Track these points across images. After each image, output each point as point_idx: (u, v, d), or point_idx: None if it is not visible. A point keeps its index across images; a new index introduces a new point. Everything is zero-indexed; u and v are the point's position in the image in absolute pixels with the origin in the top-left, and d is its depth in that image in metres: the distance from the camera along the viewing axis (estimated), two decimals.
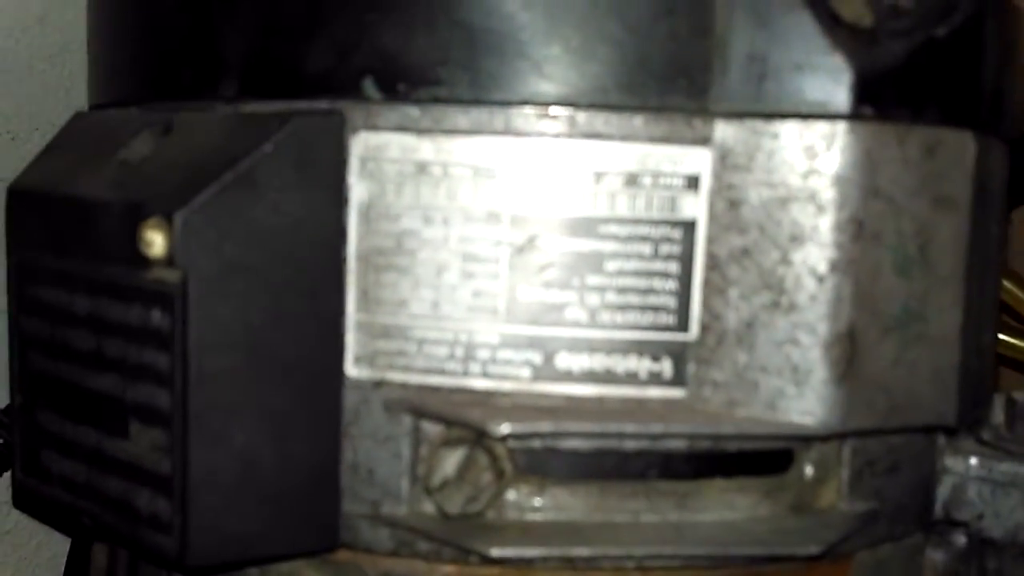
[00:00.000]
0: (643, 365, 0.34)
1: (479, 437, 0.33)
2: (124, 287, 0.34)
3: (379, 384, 0.34)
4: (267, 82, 0.35)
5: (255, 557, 0.34)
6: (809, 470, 0.35)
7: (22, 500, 0.38)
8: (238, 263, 0.33)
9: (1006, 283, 0.51)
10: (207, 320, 0.32)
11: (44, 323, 0.37)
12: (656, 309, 0.33)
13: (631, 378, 0.34)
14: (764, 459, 0.35)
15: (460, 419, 0.33)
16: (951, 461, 0.38)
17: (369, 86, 0.34)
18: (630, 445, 0.34)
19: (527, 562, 0.33)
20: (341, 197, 0.34)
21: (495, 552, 0.32)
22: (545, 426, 0.32)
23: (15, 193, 0.38)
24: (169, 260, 0.32)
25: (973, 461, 0.38)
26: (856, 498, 0.35)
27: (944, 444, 0.38)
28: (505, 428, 0.32)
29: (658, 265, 0.34)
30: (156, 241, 0.32)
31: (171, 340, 0.32)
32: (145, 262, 0.33)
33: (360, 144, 0.34)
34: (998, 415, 0.41)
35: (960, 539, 0.39)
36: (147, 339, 0.33)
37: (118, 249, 0.34)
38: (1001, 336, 0.51)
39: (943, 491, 0.38)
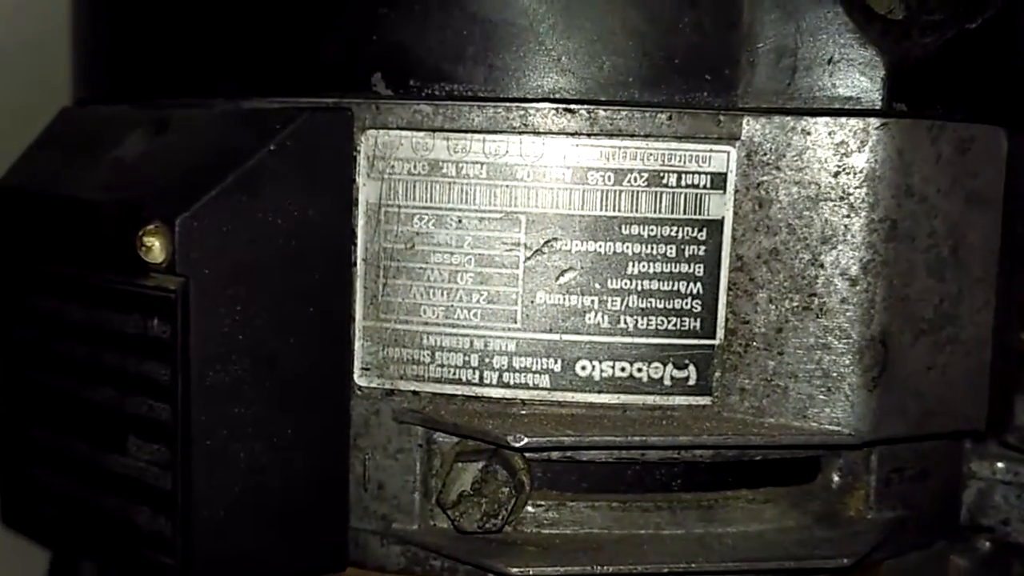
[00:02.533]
0: (667, 372, 0.32)
1: (496, 449, 0.32)
2: (121, 294, 0.32)
3: (389, 394, 0.33)
4: (270, 78, 0.33)
5: (268, 574, 0.32)
6: (836, 478, 0.34)
7: (12, 517, 0.36)
8: (241, 268, 0.31)
9: None
10: (209, 329, 0.30)
11: (35, 332, 0.35)
12: (680, 313, 0.32)
13: (655, 385, 0.32)
14: (791, 468, 0.34)
15: (476, 431, 0.31)
16: (977, 466, 0.37)
17: (379, 82, 0.32)
18: (653, 456, 0.32)
19: None
20: (349, 198, 0.32)
21: (514, 571, 0.31)
22: (566, 438, 0.31)
23: (2, 192, 0.36)
24: (169, 266, 0.30)
25: (1000, 465, 0.37)
26: (884, 506, 0.34)
27: (970, 449, 0.37)
28: (524, 440, 0.31)
29: (683, 267, 0.32)
30: (155, 246, 0.30)
31: (172, 350, 0.30)
32: (143, 268, 0.31)
33: (369, 142, 0.32)
34: (1021, 417, 0.40)
35: (985, 544, 0.38)
36: (146, 349, 0.31)
37: (114, 254, 0.32)
38: None
39: (969, 496, 0.37)
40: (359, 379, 0.33)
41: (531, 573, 0.31)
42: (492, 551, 0.32)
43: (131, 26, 0.37)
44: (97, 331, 0.33)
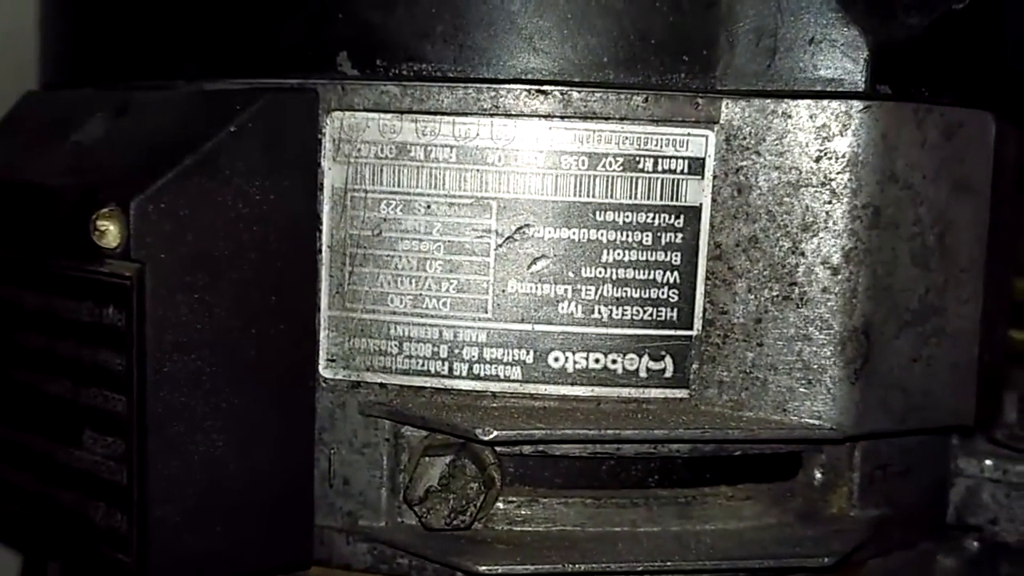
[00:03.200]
0: (643, 364, 0.31)
1: (465, 443, 0.30)
2: (75, 281, 0.31)
3: (356, 386, 0.32)
4: (231, 58, 0.32)
5: (228, 573, 0.31)
6: (819, 475, 0.33)
7: None
8: (200, 255, 0.30)
9: None
10: (166, 317, 0.29)
11: None
12: (657, 303, 0.31)
13: (630, 377, 0.31)
14: (771, 463, 0.33)
15: (444, 424, 0.30)
16: (965, 463, 0.36)
17: (344, 61, 0.31)
18: (628, 450, 0.31)
19: None
20: (314, 182, 0.31)
21: (482, 569, 0.30)
22: (537, 431, 0.30)
23: None
24: (124, 251, 0.29)
25: (988, 463, 0.36)
26: (867, 504, 0.33)
27: (958, 445, 0.36)
28: (493, 434, 0.29)
29: (659, 255, 0.31)
30: (110, 231, 0.29)
31: (127, 339, 0.29)
32: (98, 253, 0.30)
33: (334, 124, 0.31)
34: (1010, 413, 0.39)
35: (973, 544, 0.37)
36: (101, 338, 0.30)
37: (70, 240, 0.31)
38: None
39: (956, 494, 0.36)
40: (324, 371, 0.32)
41: (500, 572, 0.29)
42: (460, 548, 0.30)
43: (93, 8, 0.35)
44: (52, 319, 0.32)
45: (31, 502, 0.33)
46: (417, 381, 0.31)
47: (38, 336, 0.32)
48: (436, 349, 0.31)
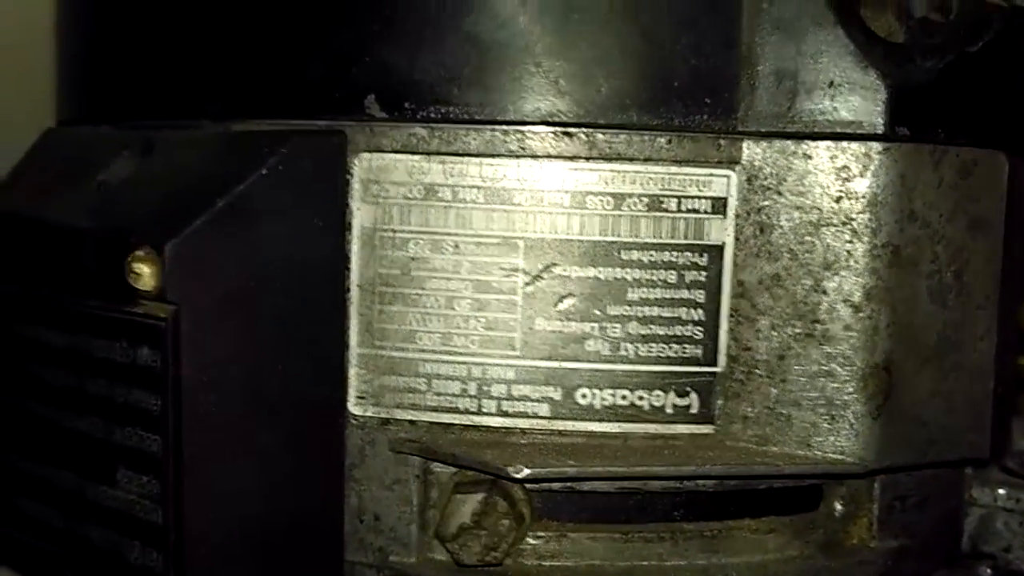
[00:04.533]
0: (669, 400, 0.32)
1: (495, 480, 0.31)
2: (108, 321, 0.31)
3: (385, 423, 0.32)
4: (259, 99, 0.33)
5: None
6: (839, 507, 0.33)
7: None
8: (233, 296, 0.30)
9: None
10: (201, 357, 0.29)
11: (18, 358, 0.34)
12: (682, 340, 0.32)
13: (656, 414, 0.32)
14: (794, 496, 0.33)
15: (475, 461, 0.31)
16: (978, 492, 0.37)
17: (372, 104, 0.31)
18: (655, 485, 0.32)
19: None
20: (342, 223, 0.32)
21: None
22: (569, 468, 0.30)
23: None
24: (159, 293, 0.29)
25: (1001, 492, 0.37)
26: (886, 535, 0.34)
27: (972, 475, 0.37)
28: (525, 472, 0.30)
29: (683, 293, 0.32)
30: (144, 273, 0.29)
31: (162, 379, 0.29)
32: (132, 295, 0.30)
33: (363, 166, 0.32)
34: (1020, 441, 0.39)
35: (987, 572, 0.37)
36: (135, 378, 0.30)
37: (100, 281, 0.31)
38: None
39: (970, 523, 0.37)
40: (354, 408, 0.32)
41: None
42: None
43: (114, 45, 0.36)
44: (82, 358, 0.32)
45: (59, 538, 0.33)
46: (446, 418, 0.32)
47: (67, 374, 0.33)
48: (465, 386, 0.32)
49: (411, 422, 0.32)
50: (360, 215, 0.32)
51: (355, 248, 0.32)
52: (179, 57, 0.34)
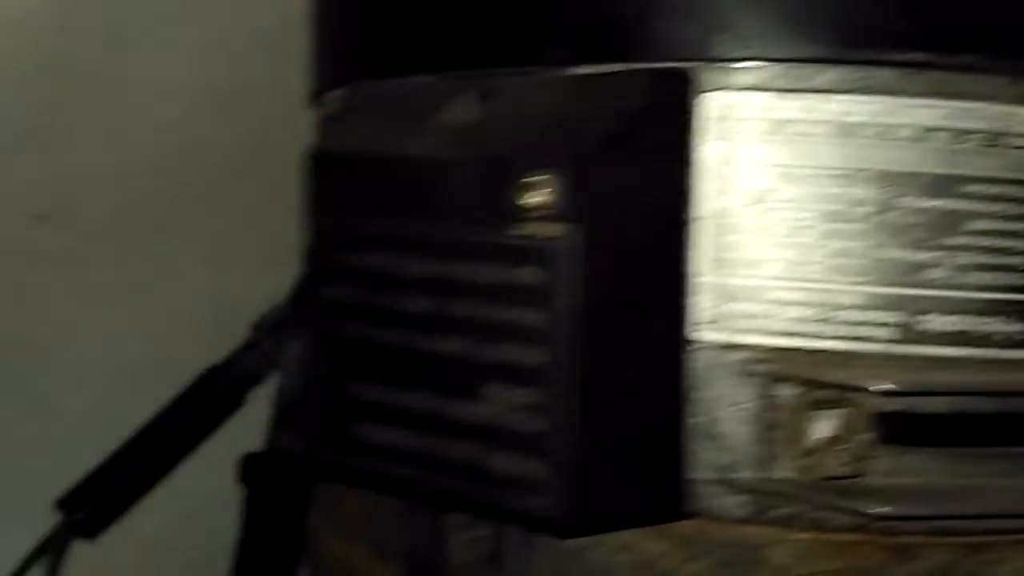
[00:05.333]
0: (1007, 326, 0.33)
1: (848, 398, 0.33)
2: (481, 245, 0.33)
3: (731, 347, 0.34)
4: (607, 45, 0.35)
5: (621, 522, 0.33)
6: None
7: (319, 469, 0.37)
8: (608, 220, 0.32)
9: None
10: (586, 277, 0.31)
11: (361, 290, 0.36)
12: (1019, 269, 0.33)
13: (994, 339, 0.33)
14: None
15: (828, 381, 0.32)
16: None
17: (723, 44, 0.33)
18: (990, 406, 0.34)
19: (898, 522, 0.32)
20: (693, 157, 0.34)
21: (874, 510, 0.32)
22: (921, 382, 0.32)
23: (322, 158, 0.37)
24: (550, 215, 0.31)
25: None
26: None
27: None
28: (884, 386, 0.32)
29: (1019, 225, 0.33)
30: (535, 195, 0.31)
31: (549, 297, 0.31)
32: (512, 218, 0.32)
33: (712, 104, 0.34)
34: None
35: None
36: (513, 297, 0.32)
37: (472, 207, 0.33)
38: None
39: None
40: (700, 333, 0.34)
41: (891, 512, 0.31)
42: (843, 496, 0.32)
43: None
44: (444, 283, 0.34)
45: (410, 458, 0.35)
46: (791, 342, 0.33)
47: (424, 299, 0.34)
48: (810, 312, 0.33)
49: (755, 346, 0.34)
50: (709, 150, 0.34)
51: (705, 181, 0.34)
52: (521, 7, 0.36)
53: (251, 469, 0.57)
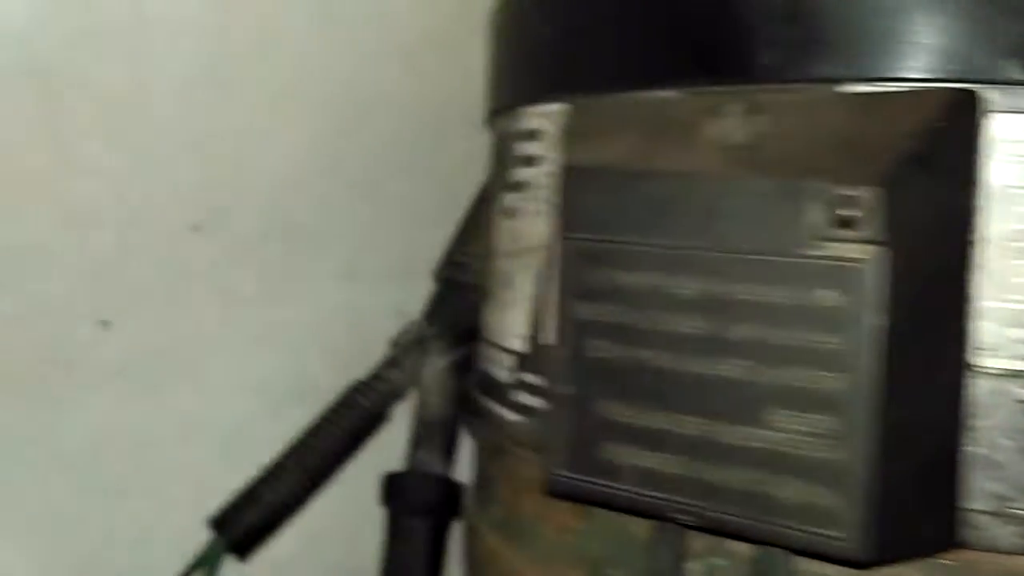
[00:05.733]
0: None
1: None
2: (771, 265, 0.32)
3: (1013, 375, 0.33)
4: (880, 65, 0.34)
5: (908, 553, 0.32)
6: None
7: (561, 490, 0.36)
8: (909, 241, 0.31)
9: None
10: (890, 300, 0.31)
11: (622, 308, 0.35)
12: None
13: None
14: None
15: None
16: None
17: (1010, 66, 0.33)
18: None
19: None
20: (975, 179, 0.33)
21: None
22: None
23: (578, 173, 0.37)
24: (852, 236, 0.31)
25: None
26: None
27: None
28: None
29: None
30: (837, 216, 0.31)
31: (853, 320, 0.31)
32: (809, 238, 0.31)
33: (1000, 124, 0.33)
34: None
35: None
36: (808, 320, 0.31)
37: (760, 225, 0.32)
38: None
39: None
40: (980, 359, 0.33)
41: None
42: None
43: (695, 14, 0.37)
44: (721, 303, 0.33)
45: (671, 483, 0.34)
46: None
47: (696, 319, 0.33)
48: None
49: None
50: (992, 171, 0.33)
51: (987, 203, 0.33)
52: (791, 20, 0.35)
53: (394, 489, 0.56)
